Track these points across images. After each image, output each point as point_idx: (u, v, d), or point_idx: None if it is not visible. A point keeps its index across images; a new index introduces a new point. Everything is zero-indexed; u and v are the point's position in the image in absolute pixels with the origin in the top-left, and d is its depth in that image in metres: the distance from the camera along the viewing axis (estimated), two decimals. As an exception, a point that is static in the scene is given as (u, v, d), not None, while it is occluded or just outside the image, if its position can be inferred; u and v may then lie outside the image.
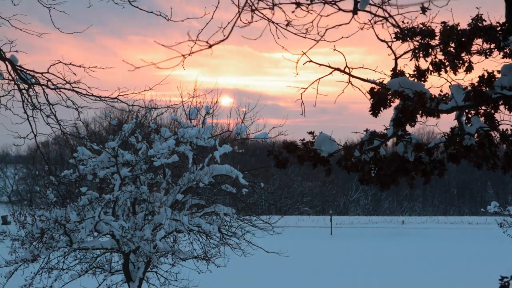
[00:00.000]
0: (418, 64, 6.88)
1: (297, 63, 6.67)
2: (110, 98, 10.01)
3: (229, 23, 5.87)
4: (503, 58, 6.65)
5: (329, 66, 6.73)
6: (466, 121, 6.63)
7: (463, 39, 6.60)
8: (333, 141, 6.42)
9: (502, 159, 6.49)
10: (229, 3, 6.03)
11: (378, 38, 6.84)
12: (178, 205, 15.33)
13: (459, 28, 6.66)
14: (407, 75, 6.85)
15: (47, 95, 9.95)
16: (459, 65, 6.73)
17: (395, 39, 6.85)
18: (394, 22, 6.72)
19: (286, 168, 6.48)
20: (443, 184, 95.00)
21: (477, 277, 29.38)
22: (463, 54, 6.70)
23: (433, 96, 6.53)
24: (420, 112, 6.49)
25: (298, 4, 6.28)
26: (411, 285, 28.05)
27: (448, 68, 6.80)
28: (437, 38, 6.77)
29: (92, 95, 9.90)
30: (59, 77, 9.82)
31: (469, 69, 6.75)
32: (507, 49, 6.57)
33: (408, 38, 6.79)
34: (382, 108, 6.58)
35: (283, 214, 22.41)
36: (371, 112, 6.58)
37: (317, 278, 29.70)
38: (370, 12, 6.57)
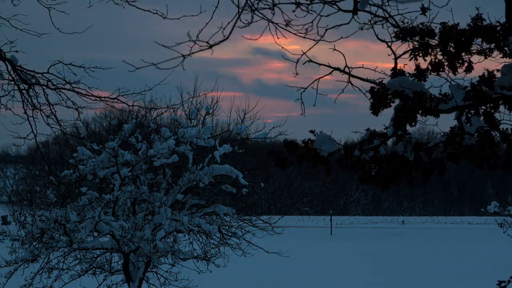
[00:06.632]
0: (418, 64, 6.87)
1: (296, 63, 6.67)
2: (110, 98, 10.03)
3: (229, 23, 5.87)
4: (503, 58, 6.64)
5: (329, 66, 6.73)
6: (466, 120, 6.63)
7: (462, 39, 6.59)
8: (333, 140, 6.42)
9: (502, 158, 6.48)
10: (229, 2, 6.04)
11: (378, 38, 6.85)
12: (178, 205, 15.34)
13: (459, 28, 6.66)
14: (407, 75, 6.85)
15: (47, 95, 9.96)
16: (458, 65, 6.72)
17: (395, 39, 6.85)
18: (394, 22, 6.72)
19: (286, 167, 6.48)
20: (443, 184, 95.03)
21: (476, 277, 29.38)
22: (463, 54, 6.69)
23: (433, 96, 6.53)
24: (420, 111, 6.48)
25: (298, 4, 6.29)
26: (411, 285, 28.05)
27: (447, 69, 6.79)
28: (436, 38, 6.77)
29: (92, 95, 9.91)
30: (59, 77, 9.83)
31: (469, 69, 6.74)
32: (507, 49, 6.57)
33: (408, 38, 6.79)
34: (382, 108, 6.58)
35: (283, 214, 22.38)
36: (372, 111, 6.58)
37: (317, 278, 29.70)
38: (370, 12, 6.57)
